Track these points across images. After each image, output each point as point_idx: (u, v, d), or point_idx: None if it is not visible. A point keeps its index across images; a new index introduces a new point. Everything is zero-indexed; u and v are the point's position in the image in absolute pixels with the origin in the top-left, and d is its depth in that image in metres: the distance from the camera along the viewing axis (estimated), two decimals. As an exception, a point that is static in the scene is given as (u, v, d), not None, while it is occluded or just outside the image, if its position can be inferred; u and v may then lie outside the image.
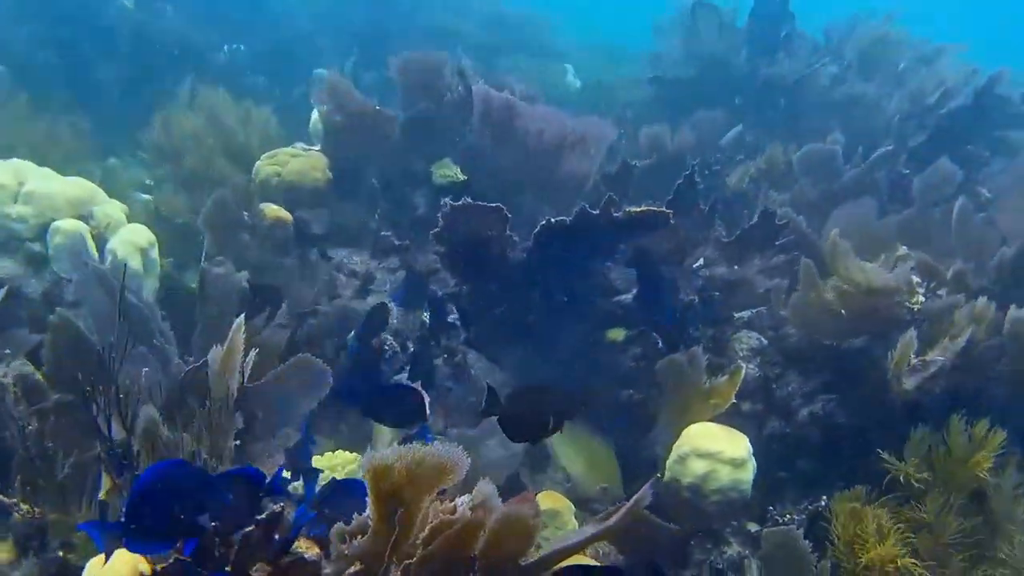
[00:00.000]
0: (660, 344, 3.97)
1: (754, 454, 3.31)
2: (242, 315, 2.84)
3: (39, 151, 5.39)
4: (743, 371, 3.60)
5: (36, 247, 4.04)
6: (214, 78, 7.37)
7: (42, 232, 4.06)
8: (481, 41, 9.10)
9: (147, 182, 5.78)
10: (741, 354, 3.96)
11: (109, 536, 1.99)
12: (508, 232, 3.70)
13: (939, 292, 3.92)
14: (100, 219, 4.24)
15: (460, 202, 3.62)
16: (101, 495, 2.41)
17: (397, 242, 4.64)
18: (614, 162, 4.78)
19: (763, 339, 4.04)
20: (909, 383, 3.50)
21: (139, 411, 2.45)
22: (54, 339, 3.11)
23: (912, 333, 3.52)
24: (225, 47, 7.60)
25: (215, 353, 2.70)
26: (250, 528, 2.05)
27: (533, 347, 3.99)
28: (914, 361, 3.52)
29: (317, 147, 4.86)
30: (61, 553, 2.57)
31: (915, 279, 3.89)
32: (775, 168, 5.52)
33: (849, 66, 6.88)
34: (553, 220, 3.65)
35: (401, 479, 2.03)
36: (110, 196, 4.96)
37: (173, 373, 2.93)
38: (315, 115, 4.99)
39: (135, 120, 5.98)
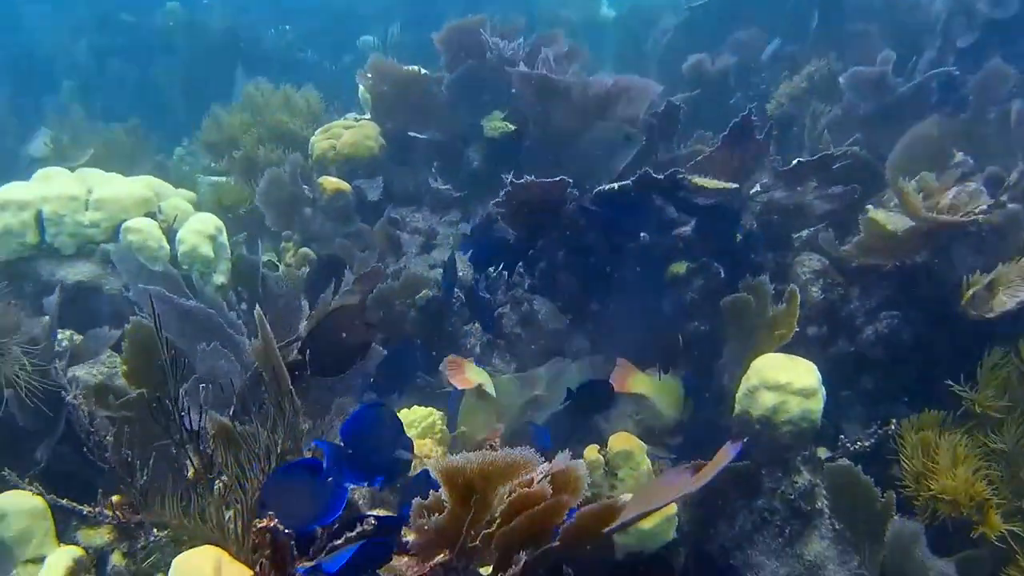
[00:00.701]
0: (722, 274, 3.85)
1: (821, 375, 3.16)
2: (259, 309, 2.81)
3: (103, 155, 5.45)
4: (798, 296, 3.41)
5: (111, 247, 4.08)
6: (265, 60, 7.40)
7: (115, 233, 4.14)
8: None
9: (212, 164, 5.77)
10: (803, 277, 3.80)
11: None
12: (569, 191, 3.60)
13: (1002, 199, 3.70)
14: (168, 212, 4.29)
15: (522, 180, 3.52)
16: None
17: (455, 194, 4.58)
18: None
19: (824, 260, 3.86)
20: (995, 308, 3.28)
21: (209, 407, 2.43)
22: (131, 342, 3.12)
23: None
24: (272, 30, 7.53)
25: (255, 347, 2.68)
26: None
27: (597, 289, 3.89)
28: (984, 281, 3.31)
29: (367, 116, 4.76)
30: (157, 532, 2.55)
31: (975, 186, 3.68)
32: (819, 83, 5.24)
33: None
34: (616, 187, 3.56)
35: (473, 475, 1.99)
36: (180, 183, 5.01)
37: (247, 362, 2.90)
38: (362, 89, 4.90)
39: (195, 111, 5.96)
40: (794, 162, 3.88)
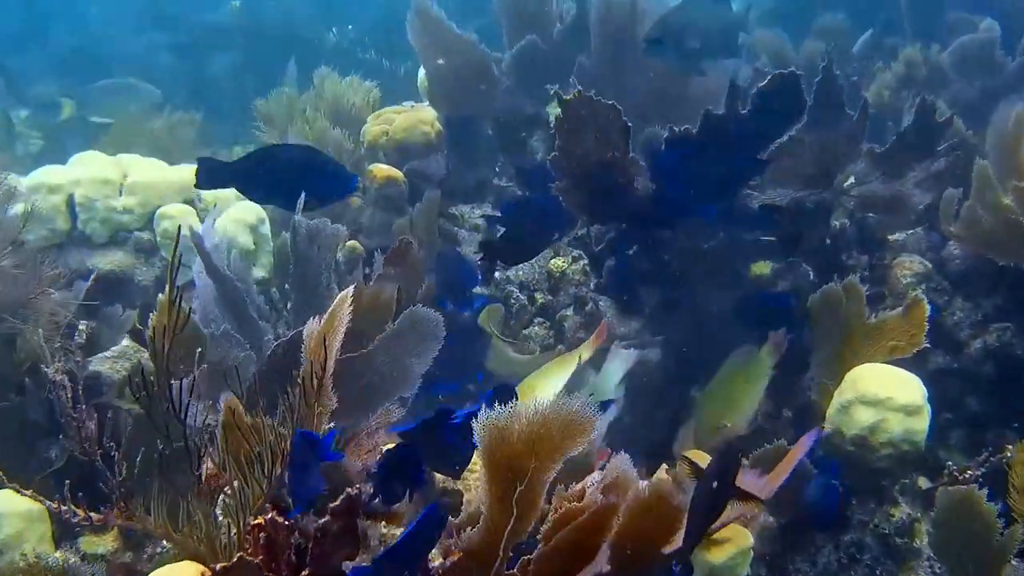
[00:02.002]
0: (812, 275, 3.44)
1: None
2: (350, 287, 2.46)
3: (161, 148, 5.27)
4: (926, 305, 2.93)
5: (145, 236, 3.88)
6: (326, 60, 7.20)
7: (149, 221, 3.91)
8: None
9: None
10: (904, 281, 3.37)
11: None
12: (632, 154, 3.08)
13: None
14: (208, 200, 4.03)
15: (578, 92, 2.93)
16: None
17: (519, 192, 4.23)
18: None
19: (927, 263, 3.43)
20: None
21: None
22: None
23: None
24: (333, 29, 7.34)
25: (311, 326, 2.33)
26: (325, 519, 1.68)
27: (670, 288, 3.49)
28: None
29: (426, 103, 4.46)
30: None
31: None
32: (916, 71, 4.78)
33: None
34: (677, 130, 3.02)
35: (520, 447, 1.62)
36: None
37: (264, 352, 2.57)
38: (421, 73, 4.57)
39: (251, 111, 5.72)
40: (892, 138, 3.44)
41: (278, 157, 2.95)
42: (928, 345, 3.09)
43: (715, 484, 1.78)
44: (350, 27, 7.38)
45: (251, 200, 3.66)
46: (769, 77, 2.98)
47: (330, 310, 2.18)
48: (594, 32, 3.98)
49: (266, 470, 1.83)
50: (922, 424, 2.68)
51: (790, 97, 3.03)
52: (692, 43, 3.42)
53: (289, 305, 3.10)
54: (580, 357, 3.04)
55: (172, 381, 2.04)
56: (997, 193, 3.14)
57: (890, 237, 3.63)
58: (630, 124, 2.94)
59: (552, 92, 3.34)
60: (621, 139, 2.97)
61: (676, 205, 3.17)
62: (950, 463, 2.89)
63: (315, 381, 1.91)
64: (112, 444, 2.04)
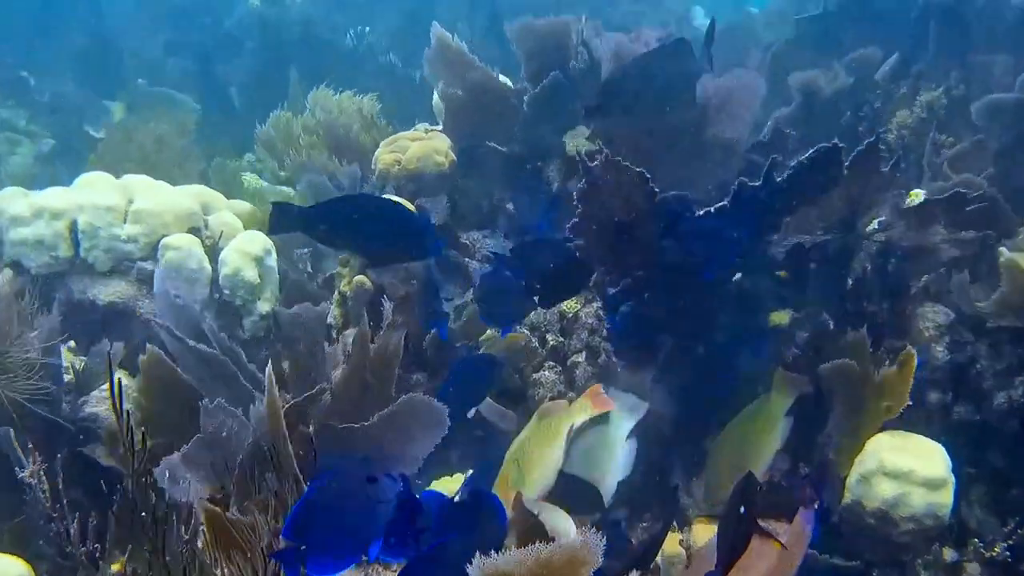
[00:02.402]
0: (832, 326, 3.30)
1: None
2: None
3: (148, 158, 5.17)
4: (915, 360, 2.80)
5: (148, 266, 3.75)
6: (343, 64, 7.09)
7: (153, 250, 3.78)
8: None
9: (281, 174, 5.42)
10: (927, 333, 3.22)
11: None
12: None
13: None
14: (215, 228, 3.92)
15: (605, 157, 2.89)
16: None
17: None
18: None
19: (950, 313, 3.27)
20: None
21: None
22: (146, 379, 2.75)
23: None
24: (351, 31, 7.19)
25: (256, 414, 2.25)
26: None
27: (687, 336, 3.36)
28: None
29: (439, 127, 4.31)
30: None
31: None
32: (938, 109, 4.62)
33: None
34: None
35: None
36: (243, 191, 4.66)
37: (255, 424, 2.46)
38: (436, 98, 4.43)
39: (264, 116, 5.59)
40: (921, 197, 3.33)
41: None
42: (945, 395, 3.06)
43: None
44: (367, 29, 7.22)
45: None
46: (812, 152, 2.90)
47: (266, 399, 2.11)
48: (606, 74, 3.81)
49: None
50: (947, 498, 2.57)
51: (829, 169, 2.97)
52: (641, 103, 3.27)
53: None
54: (572, 424, 2.89)
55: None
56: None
57: (912, 283, 3.48)
58: (656, 189, 2.87)
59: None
60: (646, 202, 2.88)
61: (696, 267, 3.05)
62: (976, 541, 2.76)
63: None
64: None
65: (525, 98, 4.01)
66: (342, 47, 7.32)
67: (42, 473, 2.07)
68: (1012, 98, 4.04)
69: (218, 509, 1.88)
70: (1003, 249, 3.25)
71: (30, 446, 2.41)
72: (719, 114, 3.66)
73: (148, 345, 2.81)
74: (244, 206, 4.59)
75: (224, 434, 2.44)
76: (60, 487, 2.18)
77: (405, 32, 7.66)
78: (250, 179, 5.52)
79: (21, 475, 2.10)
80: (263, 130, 5.23)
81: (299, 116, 5.09)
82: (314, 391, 2.58)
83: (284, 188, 5.00)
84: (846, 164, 3.03)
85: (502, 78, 4.12)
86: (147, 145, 5.58)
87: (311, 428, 2.59)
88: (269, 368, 2.28)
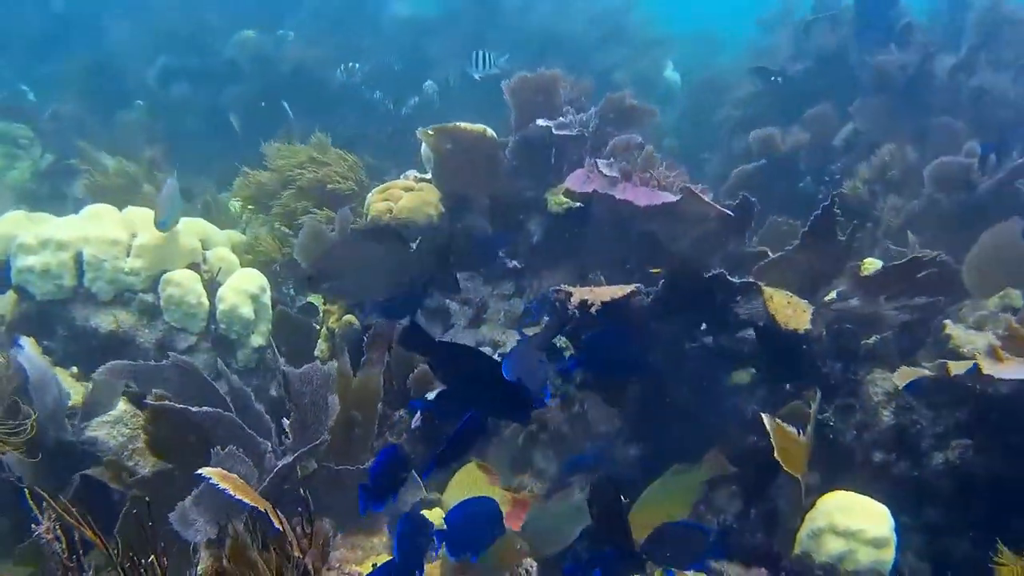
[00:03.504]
0: (788, 387, 3.45)
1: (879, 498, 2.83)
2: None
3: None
4: (809, 443, 3.03)
5: (149, 298, 3.82)
6: (333, 99, 7.16)
7: (154, 283, 3.85)
8: (584, 38, 8.58)
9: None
10: (875, 398, 3.36)
11: None
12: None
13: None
14: (213, 264, 4.01)
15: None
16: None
17: (510, 265, 4.22)
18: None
19: (897, 382, 3.39)
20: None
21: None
22: (154, 414, 2.81)
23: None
24: (341, 66, 7.25)
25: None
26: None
27: (654, 390, 3.49)
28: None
29: (428, 176, 4.41)
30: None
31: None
32: (890, 173, 4.80)
33: (972, 51, 5.84)
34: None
35: None
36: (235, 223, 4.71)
37: (269, 466, 2.54)
38: (424, 148, 4.51)
39: (257, 145, 5.63)
40: (878, 265, 3.48)
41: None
42: (888, 456, 3.21)
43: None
44: (357, 65, 7.28)
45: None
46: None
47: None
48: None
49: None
50: (889, 556, 2.72)
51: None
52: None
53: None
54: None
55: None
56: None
57: (864, 342, 3.62)
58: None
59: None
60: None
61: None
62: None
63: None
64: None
65: (507, 150, 4.13)
66: (333, 82, 7.37)
67: (58, 528, 2.08)
68: (962, 163, 4.24)
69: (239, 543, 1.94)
70: (947, 322, 3.41)
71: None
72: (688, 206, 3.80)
73: (155, 390, 2.87)
74: (239, 236, 4.67)
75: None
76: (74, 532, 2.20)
77: (394, 69, 7.76)
78: (234, 207, 5.55)
79: (37, 531, 2.12)
80: (238, 186, 5.26)
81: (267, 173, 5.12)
82: (318, 442, 2.67)
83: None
84: (805, 230, 3.23)
85: (489, 132, 4.21)
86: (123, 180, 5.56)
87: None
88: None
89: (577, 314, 3.22)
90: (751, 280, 3.20)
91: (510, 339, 3.88)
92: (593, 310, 3.07)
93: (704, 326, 3.53)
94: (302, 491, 2.35)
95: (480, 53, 5.75)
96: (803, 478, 2.94)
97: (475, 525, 2.52)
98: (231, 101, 7.49)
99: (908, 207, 4.46)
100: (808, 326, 3.12)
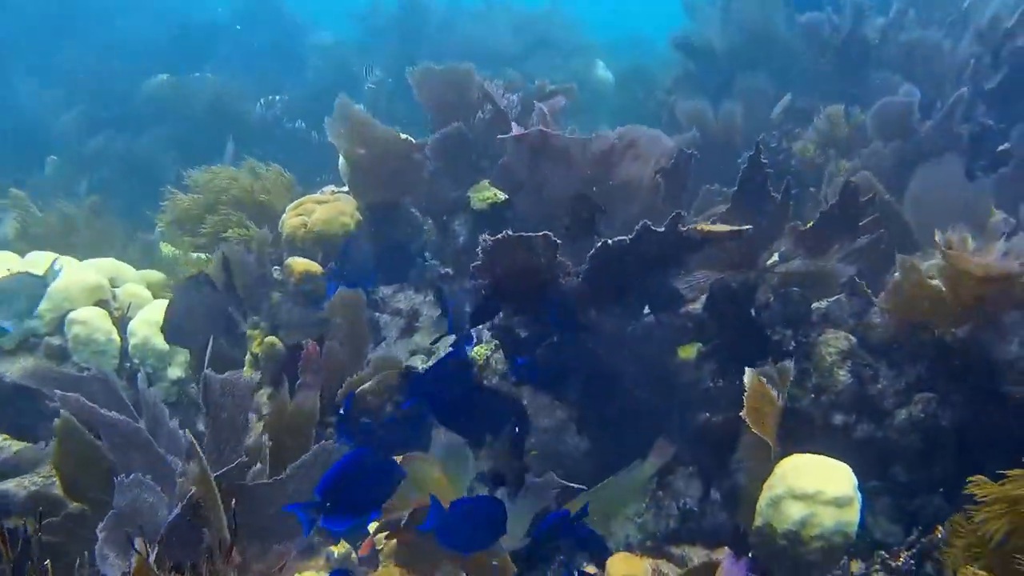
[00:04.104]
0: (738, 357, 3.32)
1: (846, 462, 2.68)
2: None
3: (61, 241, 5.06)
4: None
5: (56, 341, 3.72)
6: (253, 132, 7.05)
7: (60, 325, 3.74)
8: (511, 48, 8.60)
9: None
10: (829, 359, 3.24)
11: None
12: (558, 258, 3.04)
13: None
14: (123, 299, 3.90)
15: (500, 235, 2.92)
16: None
17: (442, 271, 4.09)
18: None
19: (852, 338, 3.28)
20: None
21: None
22: (62, 443, 2.68)
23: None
24: (261, 100, 7.17)
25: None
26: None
27: (597, 376, 3.36)
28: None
29: (346, 188, 4.29)
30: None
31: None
32: (838, 132, 4.72)
33: (903, 11, 5.80)
34: (611, 241, 2.99)
35: None
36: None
37: (177, 494, 2.39)
38: (342, 161, 4.40)
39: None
40: (816, 216, 3.37)
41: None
42: (848, 416, 3.10)
43: None
44: (277, 98, 7.19)
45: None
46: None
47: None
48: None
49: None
50: (853, 515, 2.57)
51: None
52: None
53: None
54: None
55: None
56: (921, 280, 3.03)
57: (814, 305, 3.50)
58: (559, 241, 2.94)
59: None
60: (550, 251, 2.95)
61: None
62: (881, 552, 2.77)
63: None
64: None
65: (425, 150, 4.02)
66: (252, 116, 7.28)
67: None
68: (903, 102, 4.18)
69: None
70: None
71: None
72: (624, 157, 3.69)
73: (62, 412, 2.71)
74: (156, 275, 4.52)
75: (138, 508, 2.40)
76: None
77: (312, 98, 7.66)
78: (167, 249, 5.43)
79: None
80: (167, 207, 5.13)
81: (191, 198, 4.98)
82: (245, 459, 2.53)
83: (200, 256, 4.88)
84: (735, 189, 3.12)
85: (403, 136, 4.10)
86: (56, 226, 5.45)
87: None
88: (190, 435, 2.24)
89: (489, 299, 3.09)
90: (682, 218, 3.05)
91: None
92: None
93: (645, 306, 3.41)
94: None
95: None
96: (773, 443, 2.83)
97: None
98: (155, 149, 7.37)
99: (851, 165, 4.38)
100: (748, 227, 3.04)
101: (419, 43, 8.37)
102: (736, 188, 3.25)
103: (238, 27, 9.84)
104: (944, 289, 2.95)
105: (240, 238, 4.24)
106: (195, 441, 2.37)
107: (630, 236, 2.95)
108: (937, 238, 2.89)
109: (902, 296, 3.08)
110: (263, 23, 9.89)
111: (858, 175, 3.62)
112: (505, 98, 4.02)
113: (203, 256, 4.63)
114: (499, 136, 3.68)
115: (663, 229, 2.96)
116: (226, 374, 2.69)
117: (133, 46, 9.23)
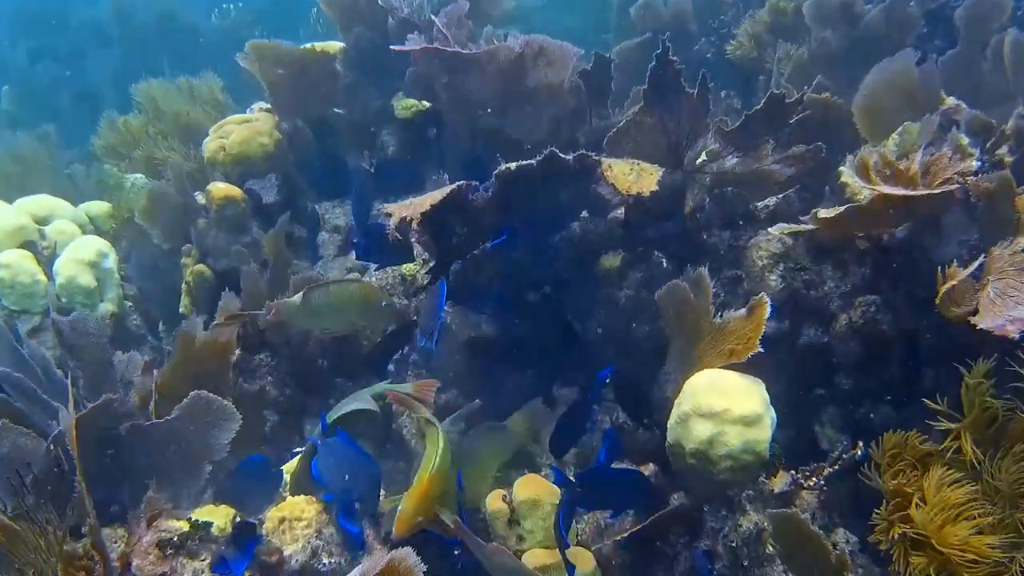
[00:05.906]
0: (666, 264, 3.22)
1: (788, 370, 2.66)
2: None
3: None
4: (767, 307, 2.64)
5: None
6: (208, 46, 6.87)
7: None
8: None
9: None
10: (760, 263, 3.11)
11: None
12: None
13: (998, 152, 3.00)
14: (52, 237, 3.85)
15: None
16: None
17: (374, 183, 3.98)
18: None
19: (786, 240, 3.14)
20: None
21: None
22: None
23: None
24: (216, 10, 6.95)
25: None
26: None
27: (517, 288, 3.28)
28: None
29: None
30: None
31: (964, 140, 2.99)
32: (783, 19, 4.50)
33: None
34: (513, 167, 2.89)
35: None
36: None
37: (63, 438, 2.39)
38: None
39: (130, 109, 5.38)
40: (740, 119, 3.21)
41: None
42: (780, 323, 2.94)
43: None
44: (232, 7, 6.97)
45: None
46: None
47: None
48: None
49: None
50: (763, 433, 2.48)
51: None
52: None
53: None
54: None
55: None
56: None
57: (761, 204, 3.37)
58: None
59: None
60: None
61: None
62: (793, 473, 2.71)
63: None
64: None
65: (340, 62, 3.92)
66: (208, 28, 7.07)
67: None
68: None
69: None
70: (843, 168, 3.19)
71: None
72: (536, 62, 3.54)
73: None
74: (102, 206, 4.45)
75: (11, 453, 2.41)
76: None
77: (273, 3, 7.45)
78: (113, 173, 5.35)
79: None
80: (101, 131, 5.02)
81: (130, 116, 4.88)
82: (100, 402, 2.47)
83: (139, 177, 4.78)
84: (645, 87, 2.99)
85: (321, 47, 3.96)
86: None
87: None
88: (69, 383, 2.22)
89: (399, 237, 3.00)
90: (585, 153, 2.93)
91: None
92: (415, 225, 2.84)
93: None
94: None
95: None
96: (699, 349, 2.75)
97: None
98: (103, 73, 7.22)
99: (797, 54, 4.17)
100: (655, 188, 2.87)
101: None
102: (646, 86, 3.09)
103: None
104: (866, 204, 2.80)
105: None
106: (71, 385, 2.32)
107: (536, 159, 2.86)
108: (847, 163, 2.76)
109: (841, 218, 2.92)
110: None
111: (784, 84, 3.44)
112: (409, 4, 3.84)
113: (140, 179, 4.56)
114: (392, 47, 3.54)
115: (571, 159, 2.86)
116: (72, 315, 2.66)
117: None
